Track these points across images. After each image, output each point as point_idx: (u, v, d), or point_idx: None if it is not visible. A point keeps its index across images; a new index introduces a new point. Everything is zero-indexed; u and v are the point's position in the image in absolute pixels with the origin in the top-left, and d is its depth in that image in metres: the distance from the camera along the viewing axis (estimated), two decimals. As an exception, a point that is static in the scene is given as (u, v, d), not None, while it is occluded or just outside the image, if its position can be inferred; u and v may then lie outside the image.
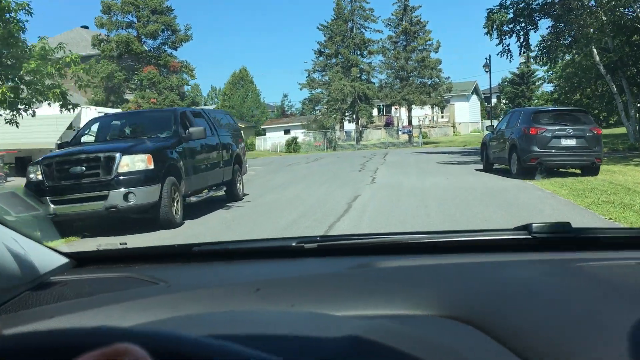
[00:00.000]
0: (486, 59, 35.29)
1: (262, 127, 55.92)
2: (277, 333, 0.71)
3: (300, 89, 41.79)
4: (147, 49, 30.19)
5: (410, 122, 43.03)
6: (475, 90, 62.30)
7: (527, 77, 59.26)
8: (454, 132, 56.46)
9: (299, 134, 48.38)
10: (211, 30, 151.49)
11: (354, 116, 44.34)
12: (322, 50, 47.11)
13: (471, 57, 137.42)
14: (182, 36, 30.36)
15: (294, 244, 1.46)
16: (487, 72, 35.83)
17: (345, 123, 50.69)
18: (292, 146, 43.67)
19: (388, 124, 55.22)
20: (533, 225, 1.40)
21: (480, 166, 17.46)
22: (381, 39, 43.07)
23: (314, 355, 0.62)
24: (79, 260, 1.49)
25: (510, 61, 27.31)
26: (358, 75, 43.29)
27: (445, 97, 43.32)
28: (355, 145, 43.50)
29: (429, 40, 41.33)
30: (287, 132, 52.25)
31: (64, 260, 1.43)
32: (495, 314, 0.94)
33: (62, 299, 1.23)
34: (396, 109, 58.87)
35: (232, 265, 1.48)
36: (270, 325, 0.78)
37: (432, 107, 51.33)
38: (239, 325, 0.80)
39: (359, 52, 43.65)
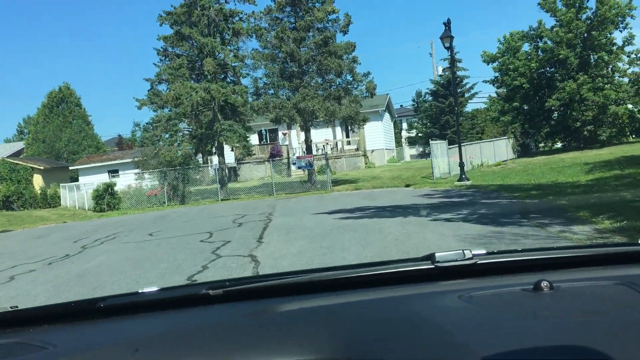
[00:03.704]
0: (445, 24, 19.04)
1: (74, 167, 35.92)
2: None
3: (139, 108, 22.35)
4: None
5: (309, 150, 25.78)
6: (388, 108, 46.87)
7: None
8: (366, 163, 40.32)
9: (131, 176, 29.42)
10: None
11: (216, 143, 26.25)
12: (170, 48, 28.78)
13: (378, 61, 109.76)
14: None
15: (203, 290, 1.42)
16: (447, 48, 19.52)
17: (214, 157, 32.42)
18: (107, 200, 24.53)
19: (274, 155, 37.75)
20: (436, 254, 1.41)
21: None
22: (254, 12, 25.77)
23: None
24: None
25: None
26: (219, 72, 25.45)
27: (362, 111, 26.54)
28: (219, 193, 25.31)
29: (334, 12, 24.80)
30: (113, 173, 32.92)
31: None
32: (384, 353, 0.96)
33: None
34: (284, 134, 41.66)
35: (135, 319, 1.41)
36: None
37: (341, 126, 34.67)
38: None
39: (218, 33, 25.93)
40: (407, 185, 22.05)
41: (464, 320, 1.08)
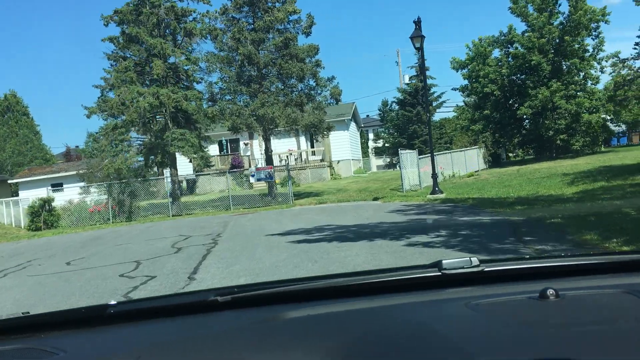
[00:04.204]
0: (415, 22, 17.41)
1: (14, 180, 33.05)
2: None
3: (89, 117, 19.74)
4: None
5: (270, 161, 23.82)
6: (354, 117, 45.31)
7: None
8: (332, 174, 38.54)
9: (77, 190, 26.91)
10: None
11: (167, 155, 23.99)
12: (119, 51, 26.43)
13: (343, 70, 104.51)
14: None
15: (211, 297, 1.41)
16: (417, 48, 17.89)
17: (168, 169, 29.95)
18: (43, 217, 22.00)
19: (235, 167, 35.69)
20: (443, 262, 1.40)
21: None
22: (208, 11, 23.77)
23: None
24: None
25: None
26: (170, 76, 23.29)
27: (328, 120, 24.69)
28: (171, 208, 23.08)
29: (295, 12, 23.02)
30: (57, 187, 30.25)
31: None
32: None
33: None
34: (246, 144, 39.60)
35: (144, 326, 1.40)
36: None
37: (306, 136, 32.85)
38: None
39: (169, 34, 23.80)
40: (376, 199, 20.26)
41: (471, 328, 1.08)
